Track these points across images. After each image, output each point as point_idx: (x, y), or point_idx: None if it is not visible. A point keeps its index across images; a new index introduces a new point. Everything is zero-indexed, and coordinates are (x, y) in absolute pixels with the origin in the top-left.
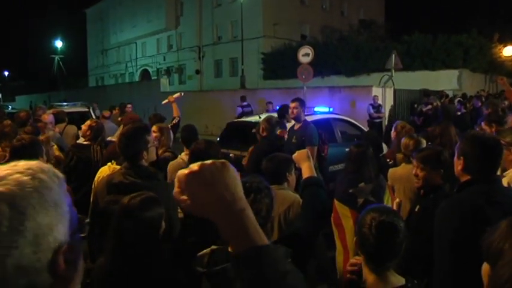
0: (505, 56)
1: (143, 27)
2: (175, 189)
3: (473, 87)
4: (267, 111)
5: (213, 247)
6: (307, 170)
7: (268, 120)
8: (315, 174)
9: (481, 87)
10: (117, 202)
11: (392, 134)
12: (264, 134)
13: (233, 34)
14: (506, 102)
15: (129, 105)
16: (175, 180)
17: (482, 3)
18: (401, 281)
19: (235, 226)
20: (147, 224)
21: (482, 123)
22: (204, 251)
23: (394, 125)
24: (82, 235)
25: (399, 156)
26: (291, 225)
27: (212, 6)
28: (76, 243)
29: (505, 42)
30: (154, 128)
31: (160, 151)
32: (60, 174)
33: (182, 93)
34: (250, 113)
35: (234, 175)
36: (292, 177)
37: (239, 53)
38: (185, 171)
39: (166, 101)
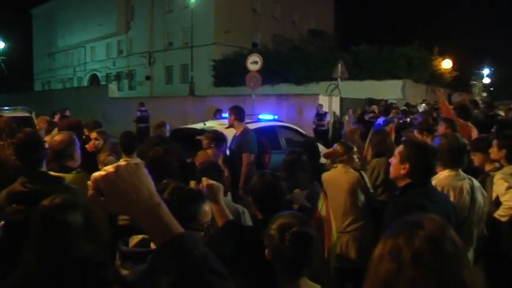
0: (444, 68)
1: (93, 30)
2: (90, 192)
3: (415, 96)
4: (216, 118)
5: (145, 236)
6: (218, 214)
7: (207, 136)
8: (229, 216)
9: (423, 97)
10: (20, 212)
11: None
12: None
13: (184, 40)
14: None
15: (67, 111)
16: (89, 182)
17: (424, 18)
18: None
19: (155, 219)
20: (72, 224)
21: (415, 131)
22: (136, 236)
23: (343, 132)
24: None
25: (328, 161)
26: None
27: (164, 12)
28: None
29: (444, 55)
30: (94, 133)
31: (102, 156)
32: None
33: None
34: (148, 117)
35: (147, 174)
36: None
37: (190, 59)
38: (101, 173)
39: None
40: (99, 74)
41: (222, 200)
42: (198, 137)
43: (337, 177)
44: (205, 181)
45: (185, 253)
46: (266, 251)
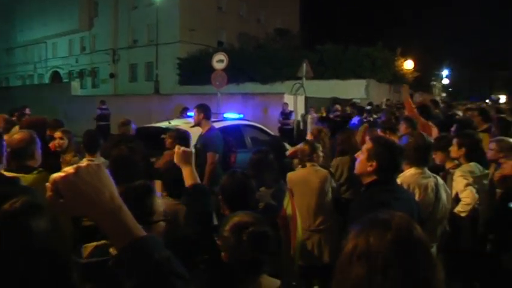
0: (406, 69)
1: (55, 26)
2: (49, 193)
3: (379, 96)
4: (182, 116)
5: (97, 243)
6: (189, 176)
7: (170, 135)
8: (197, 180)
9: (386, 97)
10: None
11: (309, 136)
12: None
13: (149, 38)
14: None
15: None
16: (48, 184)
17: (388, 19)
18: (276, 283)
19: (116, 222)
20: (36, 229)
21: (379, 130)
22: (88, 244)
23: (310, 130)
24: None
25: (295, 160)
26: None
27: (128, 9)
28: None
29: (406, 56)
30: (58, 133)
31: (68, 156)
32: None
33: None
34: (108, 115)
35: (108, 175)
36: None
37: (155, 57)
38: (61, 174)
39: None
40: (61, 71)
41: (193, 164)
42: (163, 136)
43: (307, 176)
44: (178, 148)
45: (147, 256)
46: (222, 254)
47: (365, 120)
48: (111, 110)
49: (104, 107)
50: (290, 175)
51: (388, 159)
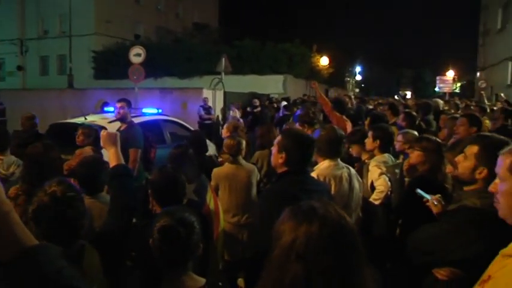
0: (322, 65)
1: None
2: None
3: (296, 91)
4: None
5: None
6: (114, 156)
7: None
8: (122, 161)
9: (303, 92)
10: None
11: (224, 132)
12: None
13: (61, 29)
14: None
15: None
16: None
17: (303, 17)
18: (201, 282)
19: (3, 229)
20: None
21: (297, 124)
22: None
23: (226, 125)
24: None
25: (224, 156)
26: None
27: None
28: None
29: (321, 52)
30: None
31: None
32: None
33: None
34: (3, 110)
35: None
36: None
37: (68, 49)
38: None
39: None
40: None
41: (118, 145)
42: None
43: (236, 172)
44: (104, 132)
45: (35, 268)
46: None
47: (281, 114)
48: (20, 104)
49: None
50: (216, 171)
51: (296, 151)
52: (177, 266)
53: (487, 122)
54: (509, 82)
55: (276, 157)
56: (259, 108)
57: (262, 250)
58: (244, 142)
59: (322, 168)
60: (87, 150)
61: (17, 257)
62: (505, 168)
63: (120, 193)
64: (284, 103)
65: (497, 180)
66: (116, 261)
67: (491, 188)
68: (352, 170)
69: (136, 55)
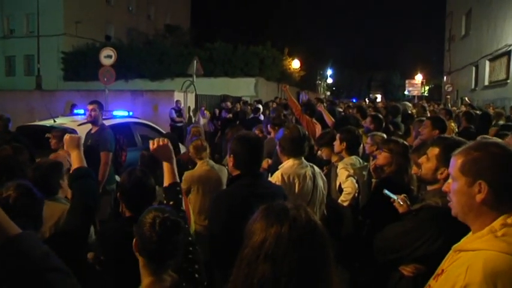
0: (293, 68)
1: None
2: None
3: (268, 94)
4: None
5: None
6: (76, 159)
7: (55, 135)
8: (84, 164)
9: (275, 95)
10: None
11: (189, 138)
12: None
13: (29, 29)
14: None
15: None
16: None
17: (275, 20)
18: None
19: None
20: None
21: (268, 126)
22: None
23: (189, 129)
24: None
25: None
26: None
27: None
28: None
29: (293, 55)
30: None
31: None
32: None
33: None
34: None
35: None
36: (65, 183)
37: (36, 50)
38: None
39: None
40: None
41: (81, 148)
42: (48, 135)
43: (208, 174)
44: (67, 136)
45: (22, 254)
46: (134, 240)
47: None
48: None
49: None
50: (189, 173)
51: (244, 153)
52: (166, 261)
53: (453, 125)
54: (473, 86)
55: (229, 161)
56: (230, 115)
57: (215, 250)
58: (207, 145)
59: (286, 167)
60: (62, 154)
61: (4, 245)
62: (457, 169)
63: (81, 194)
64: (259, 106)
65: (450, 180)
66: (75, 261)
67: (444, 187)
68: (317, 169)
69: (107, 57)
